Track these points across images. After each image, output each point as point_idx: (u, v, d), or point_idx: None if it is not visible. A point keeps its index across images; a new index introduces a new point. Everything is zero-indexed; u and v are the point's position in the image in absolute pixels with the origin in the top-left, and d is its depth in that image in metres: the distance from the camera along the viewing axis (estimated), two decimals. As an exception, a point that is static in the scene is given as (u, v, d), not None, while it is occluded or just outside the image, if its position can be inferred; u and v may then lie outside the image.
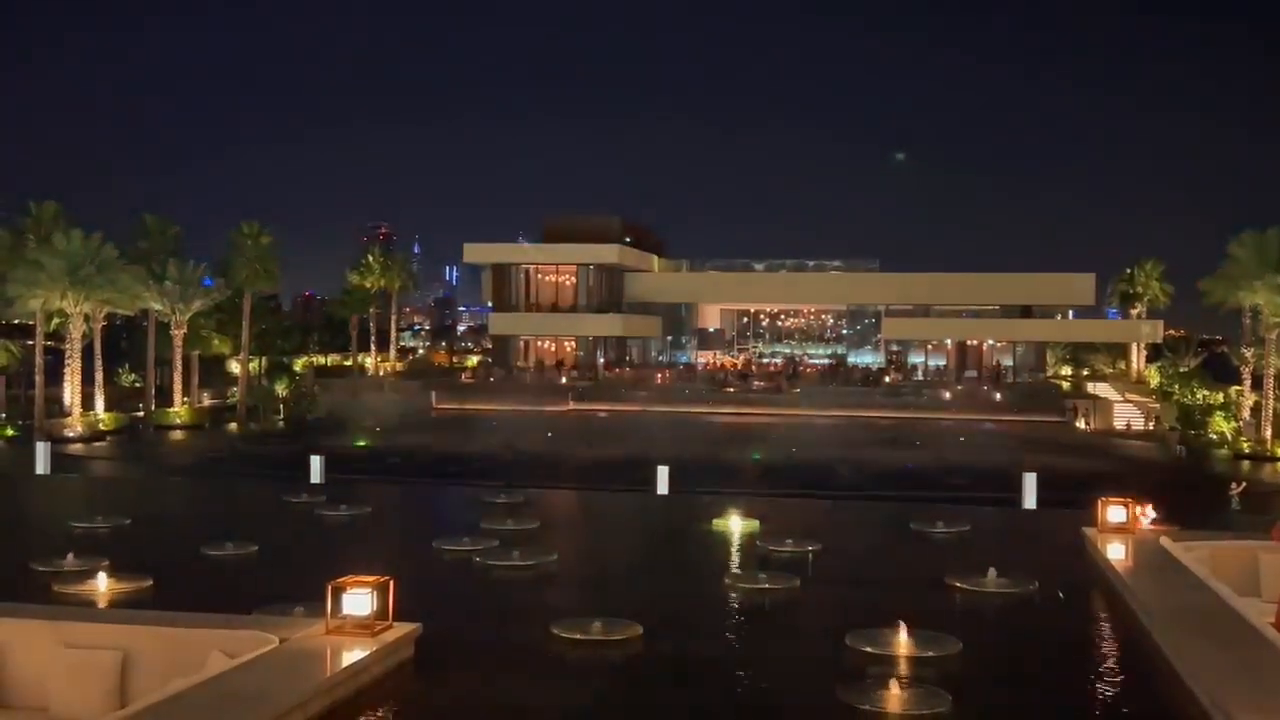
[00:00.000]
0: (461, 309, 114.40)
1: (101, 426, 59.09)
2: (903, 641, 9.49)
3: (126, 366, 77.83)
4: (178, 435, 60.97)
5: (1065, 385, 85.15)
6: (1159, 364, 79.87)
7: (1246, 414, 58.14)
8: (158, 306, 64.96)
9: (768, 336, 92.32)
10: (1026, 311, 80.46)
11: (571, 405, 71.03)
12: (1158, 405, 67.76)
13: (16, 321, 70.71)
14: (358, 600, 8.69)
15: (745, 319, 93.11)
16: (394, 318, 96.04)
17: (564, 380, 78.02)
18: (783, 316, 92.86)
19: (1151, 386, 77.16)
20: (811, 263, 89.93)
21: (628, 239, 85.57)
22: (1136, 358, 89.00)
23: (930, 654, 9.42)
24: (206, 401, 74.14)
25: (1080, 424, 65.30)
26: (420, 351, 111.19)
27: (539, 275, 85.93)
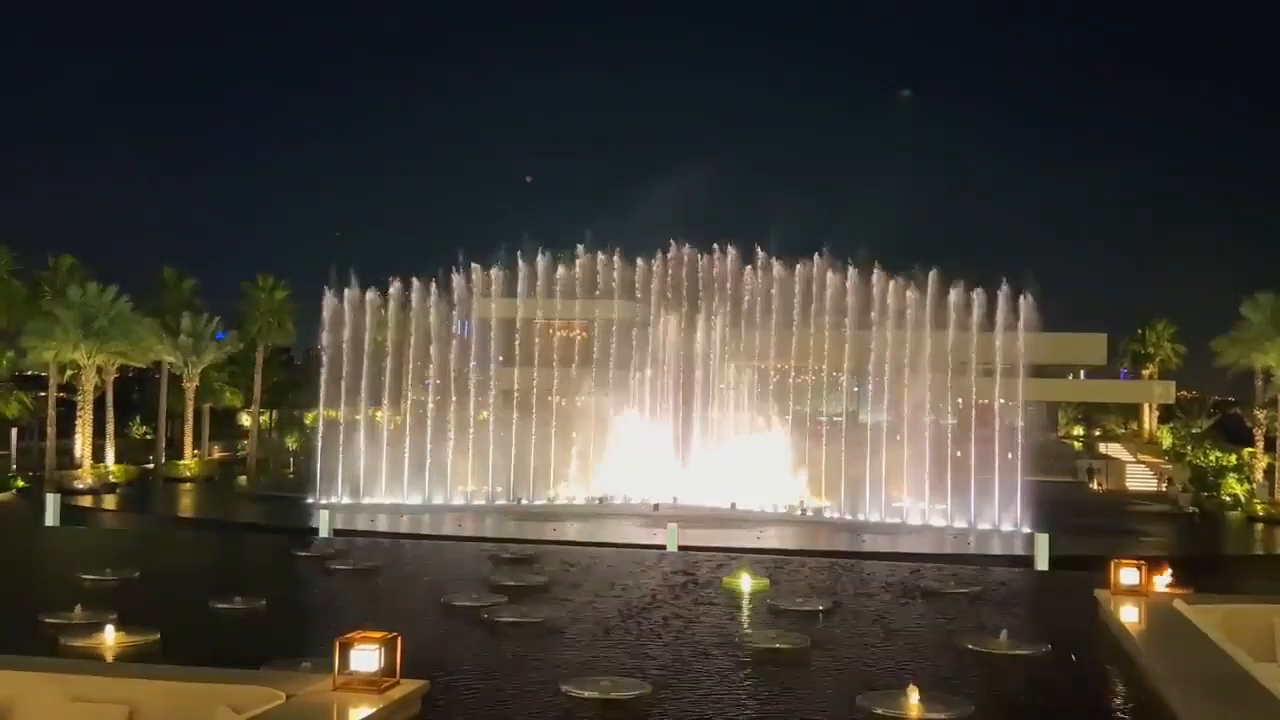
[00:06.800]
0: (472, 364, 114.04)
1: (112, 478, 59.09)
2: (914, 703, 9.40)
3: (138, 419, 77.94)
4: (188, 487, 60.95)
5: (1077, 445, 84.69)
6: (1171, 425, 79.55)
7: (1260, 476, 57.75)
8: (171, 359, 65.23)
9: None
10: (1038, 371, 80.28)
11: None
12: (1170, 466, 67.37)
13: (30, 373, 71.01)
14: (365, 656, 8.63)
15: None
16: (406, 371, 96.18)
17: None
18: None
19: (1164, 447, 76.77)
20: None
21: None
22: (1148, 418, 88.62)
23: (942, 716, 9.33)
24: (217, 454, 74.14)
25: (1093, 485, 64.91)
26: (430, 405, 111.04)
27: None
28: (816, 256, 54.12)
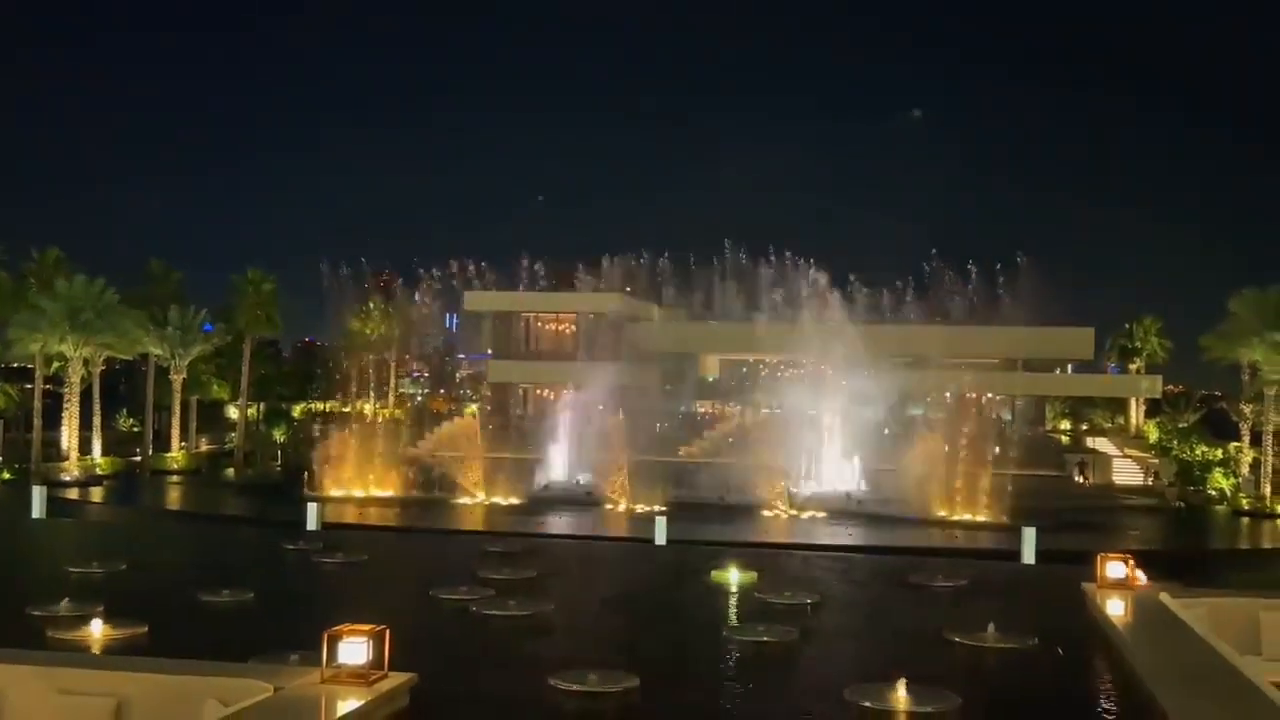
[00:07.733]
0: (460, 356, 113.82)
1: (98, 470, 58.94)
2: (901, 697, 9.42)
3: (125, 411, 77.73)
4: (175, 480, 60.76)
5: (1064, 439, 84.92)
6: (1158, 419, 79.78)
7: (1246, 470, 57.98)
8: (157, 351, 65.00)
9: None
10: (1026, 365, 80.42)
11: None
12: (1156, 461, 67.55)
13: (16, 365, 70.74)
14: (353, 649, 8.63)
15: (744, 369, 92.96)
16: (394, 365, 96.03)
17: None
18: (782, 368, 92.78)
19: (1150, 442, 76.98)
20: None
21: (628, 288, 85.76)
22: (1135, 413, 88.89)
23: (929, 710, 9.36)
24: (204, 447, 73.97)
25: (1077, 478, 65.04)
26: (419, 398, 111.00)
27: (539, 324, 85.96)
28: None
